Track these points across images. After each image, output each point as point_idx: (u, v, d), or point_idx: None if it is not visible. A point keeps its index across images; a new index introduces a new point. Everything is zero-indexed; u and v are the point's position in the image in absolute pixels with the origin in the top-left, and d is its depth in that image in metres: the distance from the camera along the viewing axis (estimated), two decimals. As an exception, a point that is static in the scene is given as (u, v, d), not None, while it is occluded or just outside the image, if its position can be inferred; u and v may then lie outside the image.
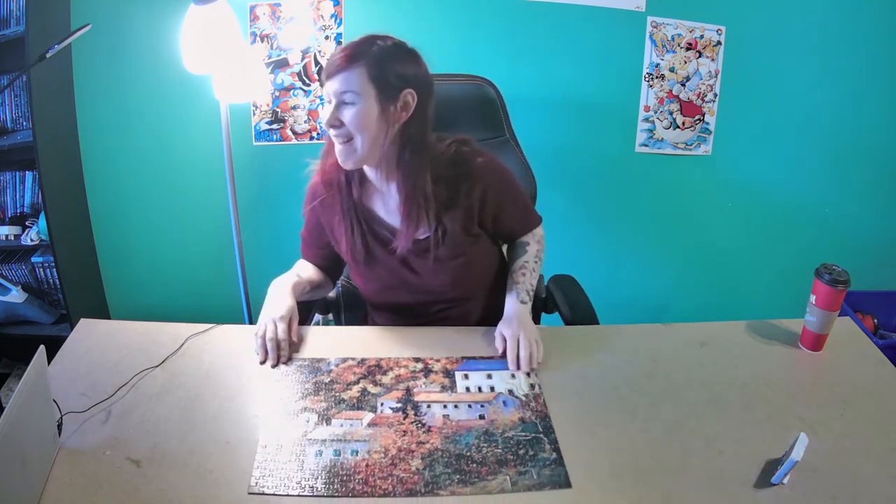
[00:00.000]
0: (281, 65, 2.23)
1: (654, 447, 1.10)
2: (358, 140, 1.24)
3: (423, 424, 1.14)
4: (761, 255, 2.57)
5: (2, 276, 2.28)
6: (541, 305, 1.72)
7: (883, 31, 2.25)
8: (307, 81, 2.25)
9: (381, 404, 1.18)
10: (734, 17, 2.23)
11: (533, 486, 1.03)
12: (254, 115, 2.29)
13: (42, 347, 1.00)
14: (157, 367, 1.25)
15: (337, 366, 1.28)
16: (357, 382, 1.24)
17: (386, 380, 1.25)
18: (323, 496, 1.00)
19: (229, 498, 0.99)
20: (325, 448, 1.08)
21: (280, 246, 2.05)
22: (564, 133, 2.36)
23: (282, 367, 1.27)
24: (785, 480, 1.02)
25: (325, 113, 1.25)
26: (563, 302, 1.61)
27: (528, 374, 1.26)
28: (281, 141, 2.32)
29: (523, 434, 1.12)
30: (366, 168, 1.33)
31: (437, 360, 1.30)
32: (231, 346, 1.33)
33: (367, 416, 1.16)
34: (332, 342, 1.36)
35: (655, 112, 2.33)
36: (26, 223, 2.23)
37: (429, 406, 1.18)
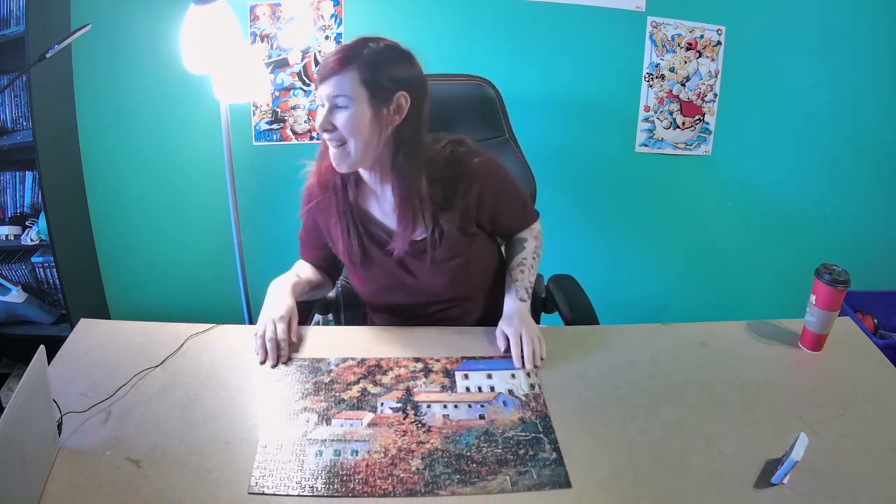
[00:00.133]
0: (281, 65, 2.23)
1: (654, 447, 1.10)
2: (351, 144, 1.24)
3: (423, 424, 1.14)
4: (761, 255, 2.57)
5: (2, 276, 2.28)
6: (540, 305, 1.72)
7: (883, 31, 2.25)
8: (307, 81, 2.25)
9: (381, 404, 1.18)
10: (734, 17, 2.23)
11: (533, 486, 1.03)
12: (254, 115, 2.29)
13: (42, 347, 1.00)
14: (157, 367, 1.25)
15: (337, 366, 1.28)
16: (357, 382, 1.24)
17: (386, 380, 1.25)
18: (323, 496, 1.00)
19: (229, 498, 0.99)
20: (325, 448, 1.08)
21: (280, 246, 2.04)
22: (564, 133, 2.35)
23: (282, 367, 1.27)
24: (785, 480, 1.02)
25: (318, 117, 1.25)
26: (562, 302, 1.61)
27: (529, 375, 1.26)
28: (281, 141, 2.32)
29: (523, 434, 1.12)
30: (361, 170, 1.33)
31: (437, 360, 1.30)
32: (231, 346, 1.33)
33: (367, 416, 1.16)
34: (332, 342, 1.36)
35: (655, 112, 2.33)
36: (26, 223, 2.23)
37: (429, 406, 1.18)
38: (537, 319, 1.73)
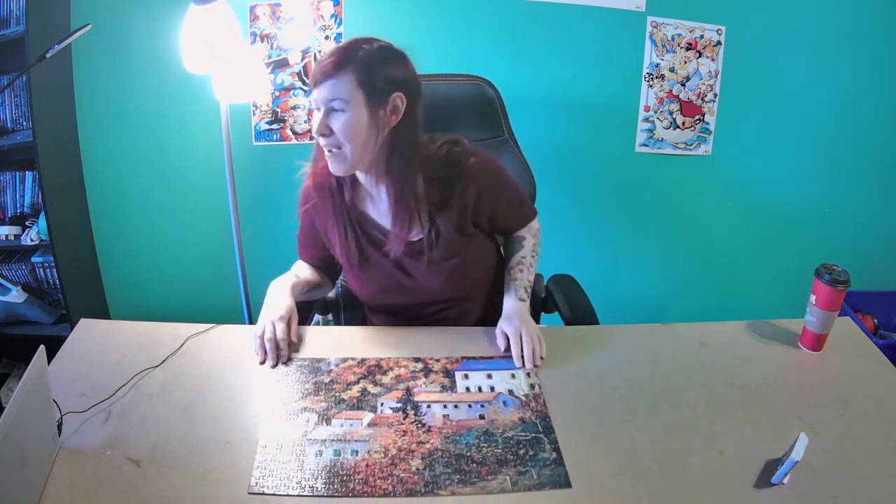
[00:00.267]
0: (281, 65, 2.23)
1: (654, 447, 1.10)
2: (348, 148, 1.23)
3: (423, 424, 1.14)
4: (761, 255, 2.57)
5: (2, 276, 2.28)
6: (540, 305, 1.72)
7: (883, 31, 2.25)
8: (307, 81, 2.25)
9: (381, 404, 1.18)
10: (734, 17, 2.23)
11: (533, 486, 1.03)
12: (254, 115, 2.29)
13: (42, 347, 1.00)
14: (157, 367, 1.25)
15: (337, 366, 1.28)
16: (357, 382, 1.24)
17: (386, 380, 1.25)
18: (323, 496, 1.00)
19: (229, 498, 0.99)
20: (325, 448, 1.08)
21: (280, 246, 2.04)
22: (564, 133, 2.35)
23: (282, 367, 1.27)
24: (785, 480, 1.02)
25: (314, 121, 1.24)
26: (562, 302, 1.61)
27: (529, 374, 1.26)
28: (281, 141, 2.32)
29: (523, 434, 1.12)
30: (356, 172, 1.33)
31: (437, 360, 1.30)
32: (231, 346, 1.33)
33: (367, 416, 1.16)
34: (332, 342, 1.36)
35: (655, 112, 2.33)
36: (26, 223, 2.23)
37: (429, 406, 1.18)
38: (537, 319, 1.73)
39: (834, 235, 2.52)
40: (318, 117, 1.23)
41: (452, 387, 1.23)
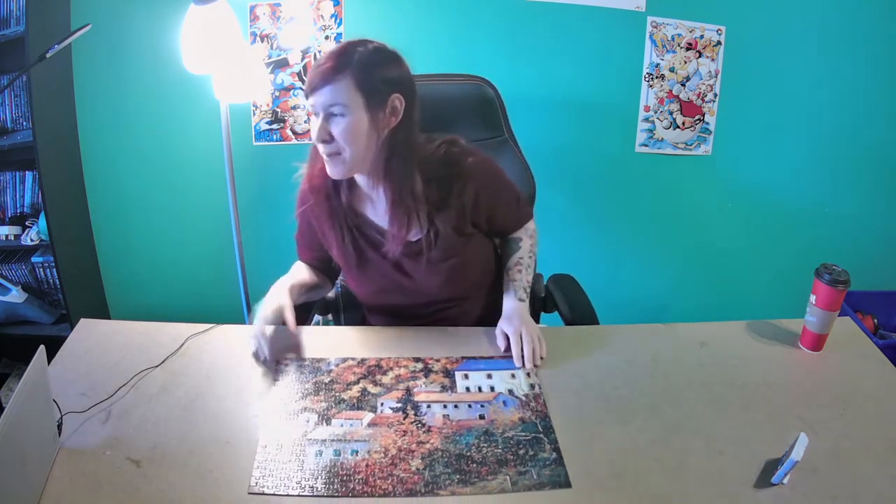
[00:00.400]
0: (281, 65, 2.23)
1: (654, 447, 1.10)
2: (348, 152, 1.22)
3: (423, 424, 1.14)
4: (761, 255, 2.57)
5: (2, 276, 2.28)
6: (540, 305, 1.72)
7: (883, 31, 2.25)
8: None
9: (381, 404, 1.18)
10: (734, 17, 2.23)
11: (533, 486, 1.03)
12: (254, 115, 2.29)
13: (42, 347, 1.00)
14: (157, 367, 1.25)
15: (337, 366, 1.28)
16: (357, 382, 1.24)
17: (386, 380, 1.25)
18: (323, 496, 1.00)
19: (229, 498, 0.99)
20: (325, 448, 1.08)
21: (280, 246, 2.04)
22: (564, 133, 2.35)
23: (282, 367, 1.27)
24: (785, 480, 1.02)
25: (313, 127, 1.23)
26: (562, 302, 1.61)
27: (529, 374, 1.26)
28: (281, 141, 2.32)
29: (523, 434, 1.12)
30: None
31: (437, 360, 1.30)
32: (231, 346, 1.33)
33: (367, 416, 1.16)
34: (332, 342, 1.36)
35: (655, 112, 2.33)
36: (26, 223, 2.23)
37: (429, 406, 1.18)
38: (537, 319, 1.73)
39: (834, 235, 2.52)
40: (316, 123, 1.22)
41: (452, 387, 1.23)
